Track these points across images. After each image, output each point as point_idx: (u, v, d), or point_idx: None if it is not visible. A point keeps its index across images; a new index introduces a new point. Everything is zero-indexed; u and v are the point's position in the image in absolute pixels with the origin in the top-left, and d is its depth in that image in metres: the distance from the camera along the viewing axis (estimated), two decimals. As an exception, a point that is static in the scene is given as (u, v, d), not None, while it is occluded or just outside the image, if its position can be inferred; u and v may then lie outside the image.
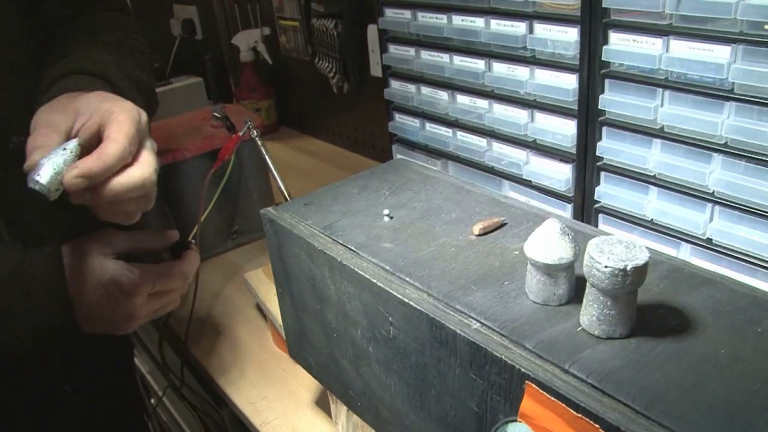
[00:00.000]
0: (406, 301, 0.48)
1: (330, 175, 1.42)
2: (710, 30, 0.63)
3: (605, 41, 0.70)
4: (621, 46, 0.69)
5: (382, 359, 0.54)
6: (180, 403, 1.32)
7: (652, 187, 0.73)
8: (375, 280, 0.50)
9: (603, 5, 0.68)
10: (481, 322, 0.44)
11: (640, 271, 0.40)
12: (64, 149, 0.56)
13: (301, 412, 0.81)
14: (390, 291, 0.49)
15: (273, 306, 0.87)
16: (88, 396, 0.77)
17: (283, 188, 0.81)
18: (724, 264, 0.68)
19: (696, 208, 0.70)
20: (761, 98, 0.61)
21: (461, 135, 0.92)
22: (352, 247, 0.55)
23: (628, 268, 0.39)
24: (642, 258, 0.40)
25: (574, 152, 0.78)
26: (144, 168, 0.59)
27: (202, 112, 1.26)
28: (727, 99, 0.64)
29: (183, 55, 2.02)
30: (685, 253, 0.72)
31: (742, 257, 0.67)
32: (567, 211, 0.81)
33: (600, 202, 0.78)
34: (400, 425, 0.55)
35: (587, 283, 0.42)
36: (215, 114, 1.12)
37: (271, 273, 0.92)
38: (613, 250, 0.40)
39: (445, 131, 0.95)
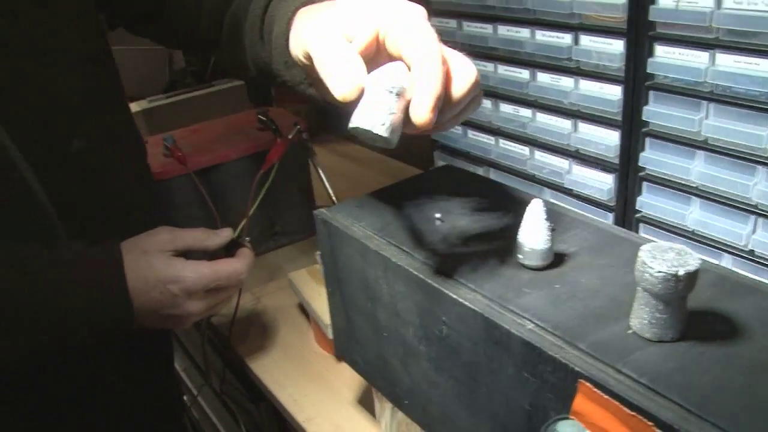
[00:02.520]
0: (461, 301, 0.50)
1: (370, 180, 1.45)
2: (757, 44, 0.64)
3: (650, 53, 0.72)
4: (666, 58, 0.71)
5: (433, 358, 0.56)
6: (214, 401, 1.36)
7: (694, 197, 0.74)
8: (429, 281, 0.52)
9: (649, 18, 0.70)
10: (534, 323, 0.46)
11: (692, 277, 0.41)
12: (391, 92, 0.45)
13: (344, 409, 0.84)
14: (445, 291, 0.51)
15: (317, 305, 0.89)
16: (130, 389, 0.80)
17: (330, 191, 0.84)
18: (766, 276, 0.70)
19: (739, 220, 0.71)
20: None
21: (503, 143, 0.94)
22: (406, 249, 0.57)
23: (680, 274, 0.41)
24: (693, 264, 0.41)
25: (617, 162, 0.80)
26: (467, 62, 0.48)
27: (246, 114, 1.30)
28: (775, 112, 0.65)
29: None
30: (726, 264, 0.73)
31: (785, 268, 0.68)
32: (608, 220, 0.83)
33: (641, 211, 0.80)
34: (448, 422, 0.57)
35: (638, 288, 0.44)
36: (261, 117, 1.15)
37: (315, 273, 0.96)
38: (665, 257, 0.42)
39: (487, 139, 0.96)
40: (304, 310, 1.03)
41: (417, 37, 0.46)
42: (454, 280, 0.52)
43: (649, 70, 0.72)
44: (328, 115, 1.75)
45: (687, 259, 0.42)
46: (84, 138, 0.71)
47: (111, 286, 0.67)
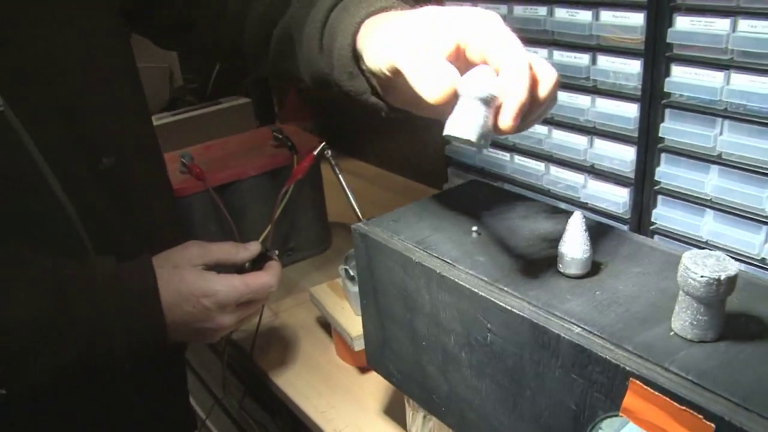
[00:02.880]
0: (508, 308, 0.53)
1: (379, 197, 1.48)
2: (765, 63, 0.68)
3: (667, 73, 0.76)
4: (682, 78, 0.75)
5: (475, 364, 0.59)
6: (226, 421, 1.37)
7: (708, 209, 0.78)
8: (476, 290, 0.55)
9: (667, 40, 0.74)
10: (581, 327, 0.49)
11: (732, 281, 0.44)
12: (482, 100, 0.47)
13: (371, 420, 0.86)
14: (491, 299, 0.54)
15: (341, 318, 0.92)
16: (148, 408, 0.81)
17: (356, 207, 0.87)
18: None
19: (752, 230, 0.74)
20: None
21: (519, 159, 0.98)
22: (448, 260, 0.60)
23: (722, 278, 0.44)
24: (733, 269, 0.45)
25: (632, 177, 0.83)
26: (547, 66, 0.51)
27: (259, 132, 1.33)
28: (783, 127, 0.69)
29: (224, 77, 2.09)
30: (741, 271, 0.76)
31: (798, 276, 0.72)
32: (624, 231, 0.86)
33: (656, 223, 0.83)
34: (488, 427, 0.60)
35: (680, 292, 0.47)
36: (276, 134, 1.18)
37: (336, 287, 0.99)
38: (706, 263, 0.45)
39: (502, 155, 1.00)
40: (324, 324, 1.06)
41: (502, 45, 0.49)
42: (498, 288, 0.55)
43: (666, 89, 0.76)
44: (335, 133, 1.79)
45: (726, 264, 0.45)
46: (113, 156, 0.72)
47: (145, 301, 0.68)
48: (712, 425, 0.41)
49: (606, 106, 0.83)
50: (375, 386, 0.91)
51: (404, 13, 0.58)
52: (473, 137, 0.47)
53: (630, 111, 0.81)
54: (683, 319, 0.47)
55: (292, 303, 1.13)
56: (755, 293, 0.52)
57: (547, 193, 0.95)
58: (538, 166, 0.95)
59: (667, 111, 0.77)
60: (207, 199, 1.10)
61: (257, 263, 0.84)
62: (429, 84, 0.49)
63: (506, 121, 0.47)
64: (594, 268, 0.56)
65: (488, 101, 0.47)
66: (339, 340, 0.96)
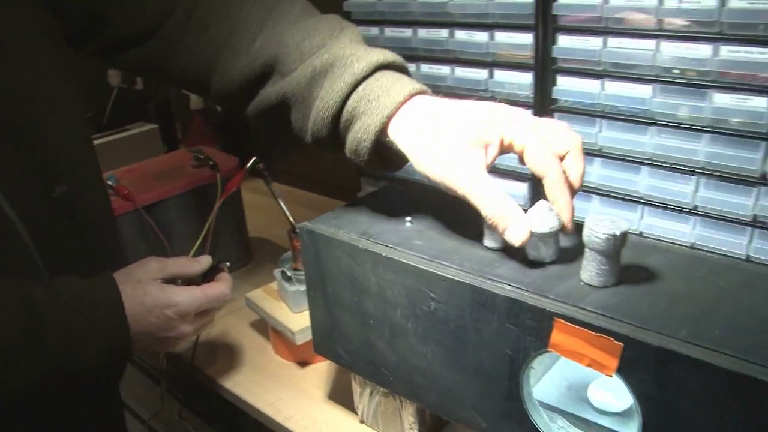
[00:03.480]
0: (450, 277, 0.63)
1: (293, 213, 1.55)
2: (635, 73, 0.84)
3: (554, 83, 0.90)
4: (566, 86, 0.89)
5: (421, 332, 0.69)
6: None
7: (594, 195, 0.92)
8: (420, 266, 0.66)
9: (552, 55, 0.88)
10: (511, 285, 0.61)
11: (625, 235, 0.57)
12: (548, 215, 0.61)
13: (318, 406, 0.94)
14: (433, 271, 0.65)
15: (281, 317, 1.00)
16: None
17: (288, 214, 0.95)
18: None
19: (630, 209, 0.90)
20: (675, 123, 0.82)
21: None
22: (390, 245, 0.70)
23: (618, 234, 0.57)
24: (625, 227, 0.57)
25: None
26: (573, 140, 0.63)
27: (176, 154, 1.39)
28: (650, 124, 0.84)
29: (121, 105, 2.11)
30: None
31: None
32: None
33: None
34: (435, 386, 0.70)
35: (586, 249, 0.59)
36: (197, 155, 1.25)
37: (271, 291, 1.06)
38: (604, 223, 0.58)
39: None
40: (258, 327, 1.13)
41: (541, 159, 0.61)
42: (437, 263, 0.66)
43: (553, 96, 0.90)
44: (239, 156, 1.85)
45: (619, 224, 0.58)
46: (65, 184, 0.75)
47: (111, 315, 0.72)
48: (621, 344, 0.53)
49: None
50: (317, 377, 0.99)
51: (445, 105, 0.66)
52: (551, 258, 0.64)
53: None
54: (590, 270, 0.59)
55: (224, 312, 1.19)
56: (639, 250, 0.66)
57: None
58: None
59: (556, 114, 0.91)
60: (135, 219, 1.15)
61: (208, 275, 0.90)
62: (511, 235, 0.61)
63: (568, 228, 0.62)
64: (513, 241, 0.68)
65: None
66: (277, 339, 1.04)
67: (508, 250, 0.67)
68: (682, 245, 0.86)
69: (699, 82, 0.79)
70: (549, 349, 0.58)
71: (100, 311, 0.71)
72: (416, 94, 0.66)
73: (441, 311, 0.66)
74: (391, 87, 0.66)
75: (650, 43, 0.80)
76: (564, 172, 0.61)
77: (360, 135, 0.67)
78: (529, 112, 0.63)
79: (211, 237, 1.24)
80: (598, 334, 0.54)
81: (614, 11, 0.82)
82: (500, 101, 0.66)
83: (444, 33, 0.99)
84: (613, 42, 0.83)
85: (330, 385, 0.97)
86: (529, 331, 0.59)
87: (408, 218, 0.75)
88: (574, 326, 0.55)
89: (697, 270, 0.62)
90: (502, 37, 0.93)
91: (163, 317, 0.77)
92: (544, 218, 0.62)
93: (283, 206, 0.96)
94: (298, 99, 0.71)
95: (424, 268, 0.65)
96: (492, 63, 0.96)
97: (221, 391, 1.02)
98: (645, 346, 0.52)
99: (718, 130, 0.80)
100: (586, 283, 0.60)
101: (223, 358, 1.07)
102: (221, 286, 0.86)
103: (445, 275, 0.64)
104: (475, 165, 0.61)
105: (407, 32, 1.03)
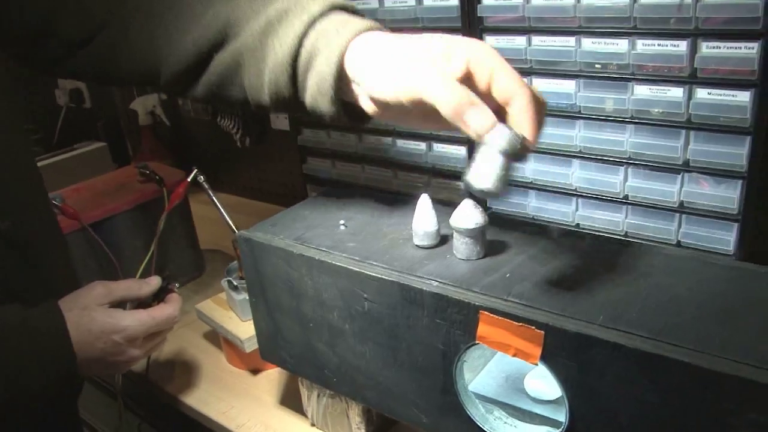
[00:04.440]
0: (379, 276, 0.65)
1: (238, 221, 1.54)
2: (559, 69, 0.86)
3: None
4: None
5: (358, 332, 0.70)
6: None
7: (530, 190, 0.95)
8: (351, 267, 0.67)
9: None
10: (438, 281, 0.62)
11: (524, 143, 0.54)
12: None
13: (270, 412, 0.94)
14: (364, 272, 0.66)
15: (230, 326, 1.00)
16: None
17: (231, 223, 0.96)
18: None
19: (565, 202, 0.92)
20: (600, 116, 0.85)
21: (368, 168, 1.11)
22: (324, 249, 0.71)
23: (520, 136, 0.53)
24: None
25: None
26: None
27: (123, 171, 1.37)
28: (577, 118, 0.87)
29: (70, 124, 2.09)
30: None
31: (602, 234, 0.90)
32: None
33: (491, 208, 0.99)
34: (376, 384, 0.71)
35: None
36: (142, 171, 1.24)
37: (220, 301, 1.07)
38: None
39: (352, 167, 1.13)
40: (210, 338, 1.13)
41: (508, 76, 0.54)
42: (369, 263, 0.67)
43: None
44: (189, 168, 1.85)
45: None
46: (8, 219, 0.74)
47: (56, 343, 0.72)
48: (542, 332, 0.55)
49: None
50: (268, 384, 0.99)
51: (402, 37, 0.60)
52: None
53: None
54: (482, 170, 0.54)
55: (178, 325, 1.18)
56: (566, 241, 0.68)
57: (397, 193, 1.09)
58: (386, 172, 1.09)
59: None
60: (83, 237, 1.14)
61: (159, 296, 0.90)
62: (475, 122, 0.53)
63: (533, 141, 0.54)
64: (443, 239, 0.69)
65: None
66: (229, 348, 1.04)
67: (437, 249, 0.68)
68: (616, 234, 0.89)
69: (620, 76, 0.82)
70: (477, 342, 0.59)
71: (44, 340, 0.71)
72: (372, 29, 0.62)
73: (374, 310, 0.67)
74: (347, 23, 0.61)
75: (571, 40, 0.83)
76: None
77: (322, 69, 0.61)
78: None
79: (158, 251, 1.24)
80: (521, 324, 0.56)
81: (536, 11, 0.84)
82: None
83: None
84: (537, 40, 0.85)
85: (281, 391, 0.98)
86: (457, 325, 0.61)
87: (342, 221, 0.76)
88: (498, 317, 0.57)
89: (620, 256, 0.64)
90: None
91: (110, 343, 0.77)
92: (470, 215, 0.63)
93: (226, 216, 0.97)
94: (251, 53, 0.66)
95: (355, 269, 0.67)
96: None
97: (176, 403, 1.02)
98: (565, 333, 0.53)
99: (641, 120, 0.82)
100: (514, 271, 0.62)
101: (178, 371, 1.07)
102: (169, 308, 0.86)
103: (374, 275, 0.65)
104: (434, 65, 0.55)
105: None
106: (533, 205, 0.94)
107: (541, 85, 0.87)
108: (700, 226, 0.82)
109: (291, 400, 0.94)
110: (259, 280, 0.79)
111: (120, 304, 0.84)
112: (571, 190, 0.91)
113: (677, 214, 0.84)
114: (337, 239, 0.73)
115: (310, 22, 0.62)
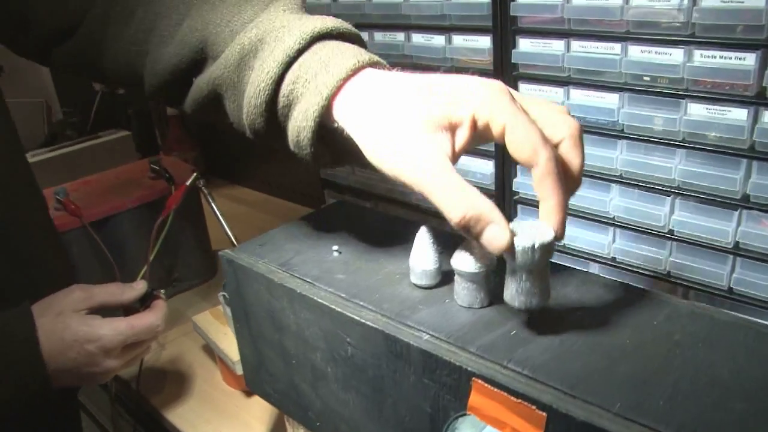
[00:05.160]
0: (363, 321, 0.55)
1: (261, 221, 1.48)
2: (601, 80, 0.74)
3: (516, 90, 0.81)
4: (529, 94, 0.80)
5: (341, 378, 0.61)
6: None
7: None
8: (333, 306, 0.57)
9: (512, 61, 0.79)
10: (430, 334, 0.52)
11: (548, 247, 0.47)
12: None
13: (257, 443, 0.86)
14: (347, 314, 0.56)
15: (223, 344, 0.92)
16: None
17: (230, 234, 0.87)
18: (626, 279, 0.79)
19: (601, 232, 0.80)
20: (646, 136, 0.73)
21: (390, 177, 1.01)
22: (308, 280, 0.62)
23: (536, 245, 0.46)
24: (548, 235, 0.47)
25: (494, 189, 0.88)
26: (567, 122, 0.48)
27: (137, 165, 1.31)
28: (619, 138, 0.75)
29: (105, 110, 2.05)
30: (594, 271, 0.82)
31: (642, 272, 0.78)
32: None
33: (518, 193, 0.88)
34: (359, 437, 0.62)
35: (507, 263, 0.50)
36: (153, 166, 1.17)
37: (218, 314, 0.99)
38: (524, 231, 0.47)
39: (371, 175, 1.03)
40: (210, 351, 1.05)
41: (525, 146, 0.45)
42: (354, 303, 0.57)
43: (514, 106, 0.81)
44: (218, 161, 1.78)
45: (543, 231, 0.47)
46: None
47: (25, 351, 0.67)
48: (544, 414, 0.44)
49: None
50: (260, 409, 0.91)
51: (399, 82, 0.50)
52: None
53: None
54: (510, 288, 0.49)
55: (178, 333, 1.12)
56: (594, 290, 0.57)
57: (416, 208, 0.99)
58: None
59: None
60: (85, 235, 1.08)
61: (144, 302, 0.83)
62: (486, 240, 0.46)
63: (559, 234, 0.47)
64: (446, 277, 0.59)
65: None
66: (224, 366, 0.96)
67: (436, 290, 0.58)
68: (658, 273, 0.77)
69: (672, 91, 0.70)
70: (468, 412, 0.49)
71: (11, 347, 0.66)
72: (365, 66, 0.52)
73: (358, 357, 0.57)
74: (331, 61, 0.52)
75: (617, 47, 0.71)
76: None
77: (299, 123, 0.53)
78: (510, 87, 0.49)
79: (166, 253, 1.18)
80: (519, 401, 0.45)
81: (577, 12, 0.72)
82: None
83: (400, 36, 0.90)
84: (576, 46, 0.74)
85: (272, 419, 0.89)
86: (447, 389, 0.50)
87: (336, 247, 0.67)
88: (494, 389, 0.47)
89: (654, 315, 0.53)
90: (459, 40, 0.84)
91: (84, 353, 0.71)
92: (473, 257, 0.53)
93: (226, 227, 0.88)
94: (229, 86, 0.58)
95: (337, 309, 0.57)
96: (451, 69, 0.87)
97: (164, 421, 0.95)
98: (571, 420, 0.43)
99: (694, 145, 0.70)
100: (521, 329, 0.51)
101: (170, 382, 1.01)
102: (151, 316, 0.79)
103: (358, 318, 0.55)
104: (437, 153, 0.47)
105: (363, 35, 0.94)
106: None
107: (580, 97, 0.76)
108: (758, 272, 0.70)
109: (281, 430, 0.86)
110: (242, 306, 0.71)
111: (102, 309, 0.77)
112: (608, 218, 0.79)
113: (731, 256, 0.71)
114: (326, 268, 0.64)
115: (287, 62, 0.53)
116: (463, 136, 0.47)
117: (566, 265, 0.56)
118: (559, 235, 0.47)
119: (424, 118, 0.47)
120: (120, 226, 1.13)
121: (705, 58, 0.66)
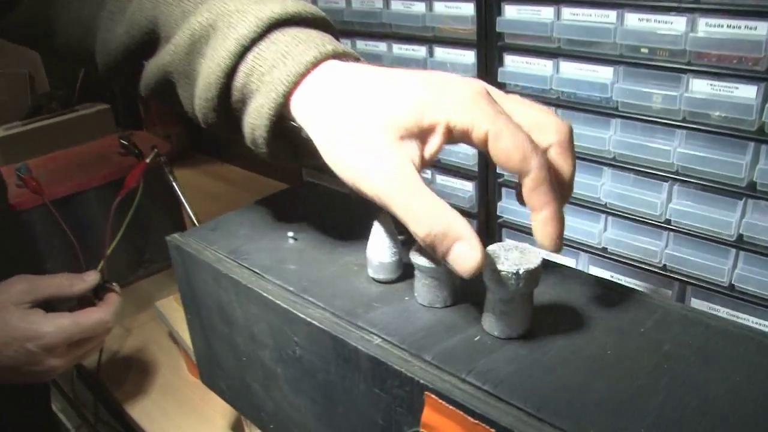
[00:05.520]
0: (309, 320, 0.48)
1: (241, 199, 1.41)
2: (593, 52, 0.67)
3: (501, 63, 0.73)
4: (515, 67, 0.73)
5: (291, 380, 0.54)
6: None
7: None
8: (279, 302, 0.51)
9: (497, 30, 0.72)
10: (382, 337, 0.45)
11: (533, 274, 0.41)
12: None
13: (217, 439, 0.81)
14: (293, 311, 0.50)
15: (185, 334, 0.85)
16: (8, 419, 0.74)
17: (191, 214, 0.81)
18: (618, 271, 0.72)
19: (591, 219, 0.73)
20: (643, 115, 0.65)
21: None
22: (257, 270, 0.55)
23: (521, 272, 0.41)
24: (535, 262, 0.42)
25: (476, 170, 0.81)
26: (559, 128, 0.44)
27: (109, 139, 1.24)
28: (613, 116, 0.68)
29: (89, 84, 1.98)
30: (583, 262, 0.75)
31: (635, 264, 0.71)
32: (473, 226, 0.84)
33: (502, 217, 0.81)
34: (312, 445, 0.56)
35: (487, 287, 0.44)
36: (122, 141, 1.10)
37: (183, 300, 0.92)
38: (508, 256, 0.42)
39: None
40: (175, 338, 0.99)
41: (516, 149, 0.40)
42: (303, 298, 0.51)
43: (500, 80, 0.74)
44: (201, 137, 1.71)
45: (530, 257, 0.42)
46: None
47: None
48: (504, 438, 0.38)
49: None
50: (221, 402, 0.85)
51: (366, 79, 0.45)
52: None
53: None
54: (489, 315, 0.44)
55: (146, 318, 1.06)
56: (571, 287, 0.50)
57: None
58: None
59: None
60: (47, 213, 1.02)
61: (97, 293, 0.77)
62: (453, 261, 0.41)
63: (554, 249, 0.43)
64: (408, 271, 0.52)
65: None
66: (186, 355, 0.90)
67: (397, 285, 0.51)
68: (653, 266, 0.70)
69: (673, 65, 0.62)
70: (421, 430, 0.43)
71: None
72: (327, 58, 0.47)
73: (306, 359, 0.51)
74: (290, 51, 0.47)
75: (612, 15, 0.63)
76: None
77: (254, 120, 0.48)
78: (491, 86, 0.43)
79: (136, 234, 1.11)
80: (476, 422, 0.39)
81: (569, -26, 0.65)
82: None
83: (379, 3, 0.82)
84: (567, 13, 0.66)
85: (234, 414, 0.83)
86: (399, 402, 0.44)
87: (292, 233, 0.60)
88: (449, 406, 0.40)
89: (639, 322, 0.46)
90: (440, 7, 0.76)
91: (23, 351, 0.66)
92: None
93: (188, 209, 0.81)
94: (180, 74, 0.53)
95: (283, 305, 0.50)
96: (432, 39, 0.79)
97: (121, 411, 0.90)
98: (533, 446, 0.36)
99: (696, 126, 0.63)
100: (484, 337, 0.44)
101: (133, 373, 0.96)
102: (100, 312, 0.73)
103: (304, 316, 0.49)
104: (402, 162, 0.42)
105: (340, 3, 0.86)
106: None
107: (570, 70, 0.68)
108: (762, 267, 0.63)
109: (242, 428, 0.80)
110: (191, 296, 0.64)
111: (51, 302, 0.71)
112: (599, 205, 0.72)
113: (733, 250, 0.64)
114: (278, 258, 0.57)
115: (240, 52, 0.47)
116: (434, 144, 0.42)
117: (544, 257, 0.49)
118: (556, 248, 0.43)
119: (390, 122, 0.42)
120: (84, 204, 1.07)
121: (710, 27, 0.59)
